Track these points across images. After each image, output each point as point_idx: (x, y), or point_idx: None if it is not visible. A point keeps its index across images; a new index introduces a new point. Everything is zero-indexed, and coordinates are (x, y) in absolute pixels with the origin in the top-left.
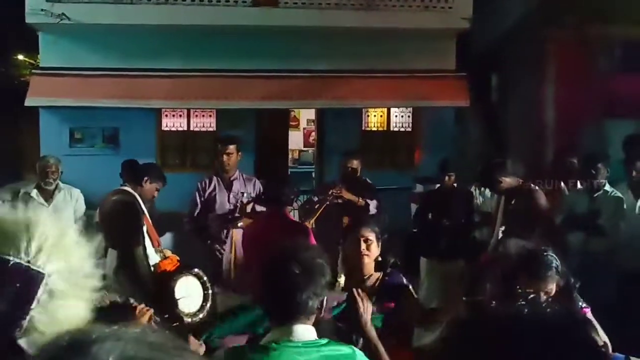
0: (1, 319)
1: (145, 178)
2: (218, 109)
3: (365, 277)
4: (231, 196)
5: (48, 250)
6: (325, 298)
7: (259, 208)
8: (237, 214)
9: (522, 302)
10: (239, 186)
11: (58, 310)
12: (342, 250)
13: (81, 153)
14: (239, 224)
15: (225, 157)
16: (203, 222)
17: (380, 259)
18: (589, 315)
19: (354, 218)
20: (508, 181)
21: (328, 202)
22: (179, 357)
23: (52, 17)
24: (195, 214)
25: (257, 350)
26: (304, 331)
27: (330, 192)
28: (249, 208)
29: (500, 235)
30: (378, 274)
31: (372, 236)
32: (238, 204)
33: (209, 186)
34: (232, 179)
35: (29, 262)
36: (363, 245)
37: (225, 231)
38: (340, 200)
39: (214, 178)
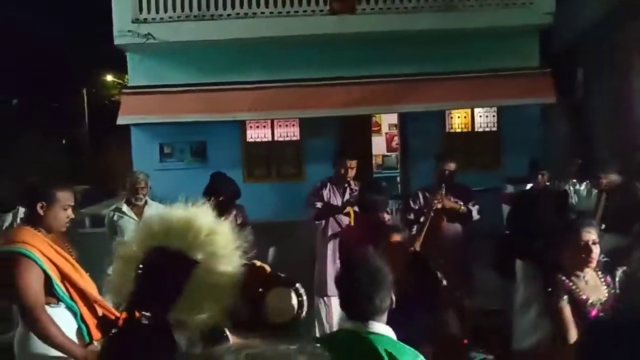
0: (161, 296)
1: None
2: (301, 118)
3: None
4: (344, 201)
5: (201, 241)
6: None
7: (344, 219)
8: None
9: None
10: (350, 192)
11: (203, 293)
12: None
13: (171, 167)
14: (345, 210)
15: (347, 170)
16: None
17: None
18: None
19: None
20: (610, 178)
21: (432, 214)
22: None
23: (139, 37)
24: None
25: (346, 336)
26: (380, 327)
27: (433, 203)
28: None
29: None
30: None
31: None
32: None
33: (324, 190)
34: (345, 186)
35: (185, 251)
36: None
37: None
38: (439, 206)
39: (328, 184)
